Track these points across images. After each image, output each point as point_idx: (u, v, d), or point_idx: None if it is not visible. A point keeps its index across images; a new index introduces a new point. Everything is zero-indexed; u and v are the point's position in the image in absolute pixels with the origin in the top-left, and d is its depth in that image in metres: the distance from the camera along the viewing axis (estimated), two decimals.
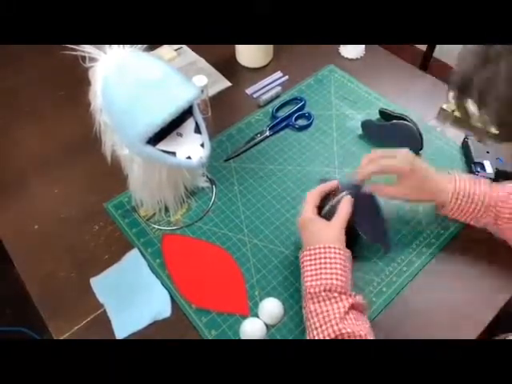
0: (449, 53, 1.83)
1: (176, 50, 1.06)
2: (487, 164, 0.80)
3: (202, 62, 1.04)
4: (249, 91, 0.98)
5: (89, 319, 0.66)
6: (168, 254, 0.73)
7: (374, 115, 0.90)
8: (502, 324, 0.70)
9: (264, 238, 0.75)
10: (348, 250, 0.62)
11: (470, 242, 0.73)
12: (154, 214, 0.77)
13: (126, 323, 0.66)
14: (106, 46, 0.60)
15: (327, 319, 0.55)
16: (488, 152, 0.82)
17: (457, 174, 0.68)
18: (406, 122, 0.83)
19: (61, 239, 0.75)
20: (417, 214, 0.77)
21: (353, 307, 0.57)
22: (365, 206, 0.68)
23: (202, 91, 0.85)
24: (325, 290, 0.57)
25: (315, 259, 0.60)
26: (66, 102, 0.94)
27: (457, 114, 0.91)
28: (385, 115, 0.88)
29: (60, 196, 0.81)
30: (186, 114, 0.63)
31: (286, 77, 1.01)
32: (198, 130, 0.64)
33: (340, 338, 0.54)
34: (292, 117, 0.91)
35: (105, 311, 0.67)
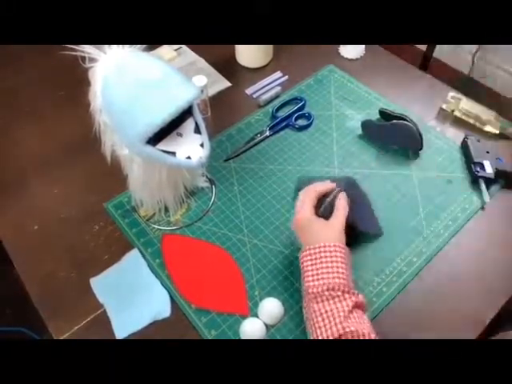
0: (449, 53, 1.83)
1: (176, 50, 1.06)
2: (487, 164, 0.80)
3: (201, 62, 1.04)
4: (249, 91, 0.98)
5: (89, 319, 0.66)
6: (168, 254, 0.73)
7: (374, 115, 0.90)
8: (502, 322, 0.70)
9: (264, 238, 0.75)
10: (347, 248, 0.62)
11: (470, 242, 0.74)
12: (154, 214, 0.77)
13: (125, 323, 0.66)
14: (106, 46, 0.60)
15: (331, 318, 0.55)
16: (488, 152, 0.82)
17: None
18: (405, 122, 0.83)
19: (61, 239, 0.75)
20: (417, 215, 0.77)
21: (356, 306, 0.57)
22: (355, 197, 0.68)
23: (202, 91, 0.85)
24: (328, 289, 0.57)
25: (316, 258, 0.60)
26: (66, 102, 0.94)
27: (457, 113, 0.91)
28: (385, 115, 0.88)
29: (60, 196, 0.81)
30: (186, 114, 0.63)
31: (286, 77, 1.01)
32: (197, 130, 0.64)
33: (343, 336, 0.53)
34: (292, 117, 0.91)
35: (105, 311, 0.67)
